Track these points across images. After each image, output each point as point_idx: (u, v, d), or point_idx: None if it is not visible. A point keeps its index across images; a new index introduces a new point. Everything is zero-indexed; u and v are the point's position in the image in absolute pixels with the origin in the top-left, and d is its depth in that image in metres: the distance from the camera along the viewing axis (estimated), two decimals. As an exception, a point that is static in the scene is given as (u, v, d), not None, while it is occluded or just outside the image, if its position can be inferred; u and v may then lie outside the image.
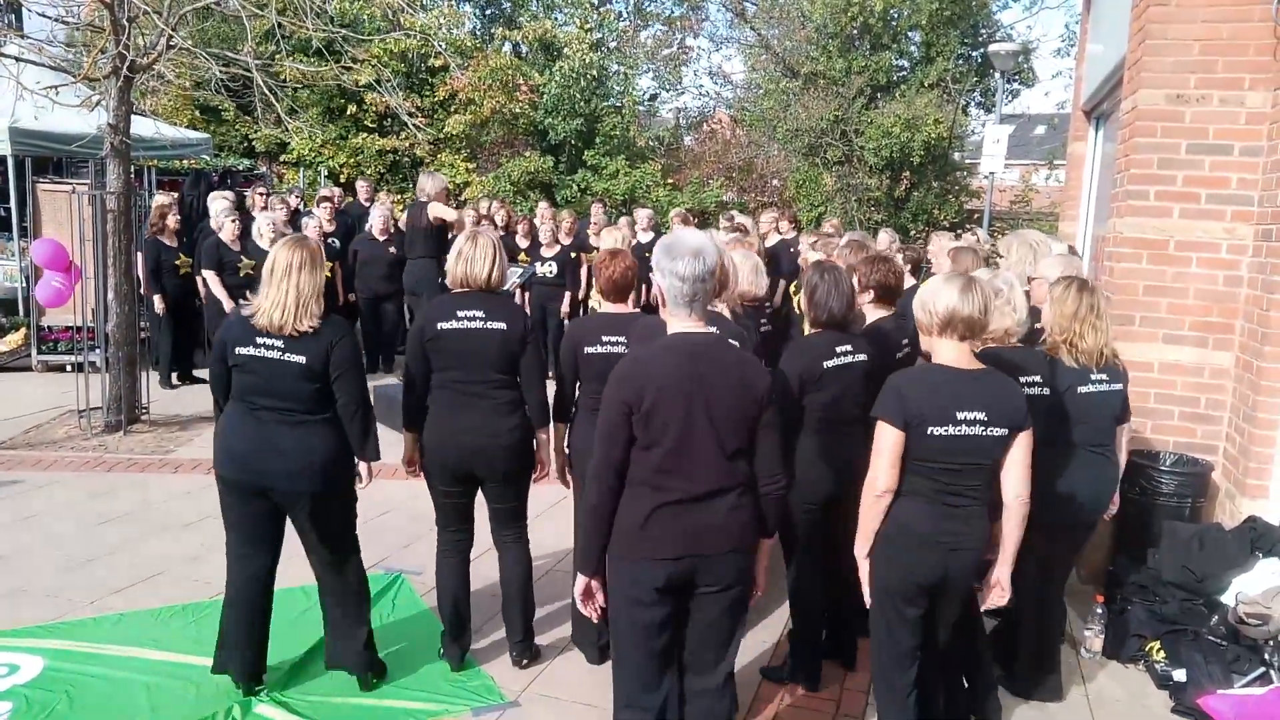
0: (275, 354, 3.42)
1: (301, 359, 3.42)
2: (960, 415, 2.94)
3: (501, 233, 9.68)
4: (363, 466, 3.69)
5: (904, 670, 3.17)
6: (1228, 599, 4.11)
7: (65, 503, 5.91)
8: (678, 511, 2.70)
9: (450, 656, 3.96)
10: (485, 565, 4.01)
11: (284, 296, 3.39)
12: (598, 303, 8.17)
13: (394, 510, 5.68)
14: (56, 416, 7.84)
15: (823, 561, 3.93)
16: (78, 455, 6.87)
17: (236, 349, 3.44)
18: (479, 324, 3.73)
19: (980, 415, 2.96)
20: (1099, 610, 4.34)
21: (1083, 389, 3.70)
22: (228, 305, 8.38)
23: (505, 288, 3.99)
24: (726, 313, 4.02)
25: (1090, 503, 3.81)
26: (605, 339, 3.82)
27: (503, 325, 3.75)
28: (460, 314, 3.73)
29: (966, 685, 3.60)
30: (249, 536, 3.60)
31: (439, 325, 3.72)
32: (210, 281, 8.37)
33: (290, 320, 3.40)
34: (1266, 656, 3.86)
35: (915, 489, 3.02)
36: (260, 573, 3.64)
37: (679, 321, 2.77)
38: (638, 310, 4.09)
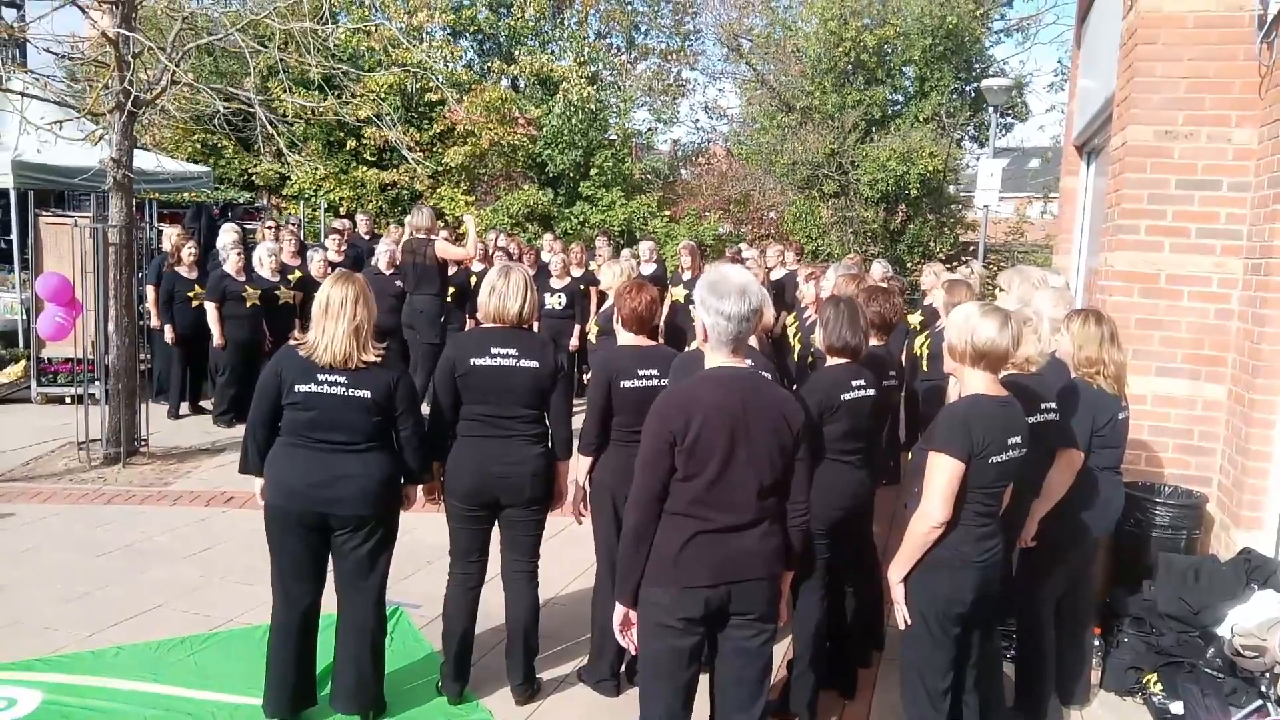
0: (339, 389, 3.46)
1: (366, 393, 3.48)
2: (1010, 441, 3.09)
3: None
4: (412, 490, 3.81)
5: (943, 676, 3.20)
6: (1223, 631, 4.11)
7: (64, 534, 5.90)
8: (714, 540, 2.73)
9: (449, 690, 3.96)
10: (486, 596, 4.01)
11: (345, 331, 3.44)
12: (593, 333, 8.24)
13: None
14: (56, 448, 7.84)
15: (827, 589, 3.96)
16: (77, 487, 6.87)
17: (296, 387, 3.45)
18: (512, 362, 3.76)
19: (1019, 439, 3.13)
20: (1095, 642, 4.34)
21: (1120, 415, 3.89)
22: (218, 340, 8.64)
23: None
24: (755, 345, 4.05)
25: (1108, 522, 4.04)
26: (641, 373, 3.86)
27: (535, 364, 3.79)
28: (494, 350, 3.76)
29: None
30: (300, 572, 3.61)
31: (472, 361, 3.75)
32: (209, 313, 8.64)
33: (355, 354, 3.45)
34: (1263, 689, 3.87)
35: (960, 515, 3.07)
36: (311, 607, 3.68)
37: (719, 357, 2.81)
38: (662, 343, 4.12)
